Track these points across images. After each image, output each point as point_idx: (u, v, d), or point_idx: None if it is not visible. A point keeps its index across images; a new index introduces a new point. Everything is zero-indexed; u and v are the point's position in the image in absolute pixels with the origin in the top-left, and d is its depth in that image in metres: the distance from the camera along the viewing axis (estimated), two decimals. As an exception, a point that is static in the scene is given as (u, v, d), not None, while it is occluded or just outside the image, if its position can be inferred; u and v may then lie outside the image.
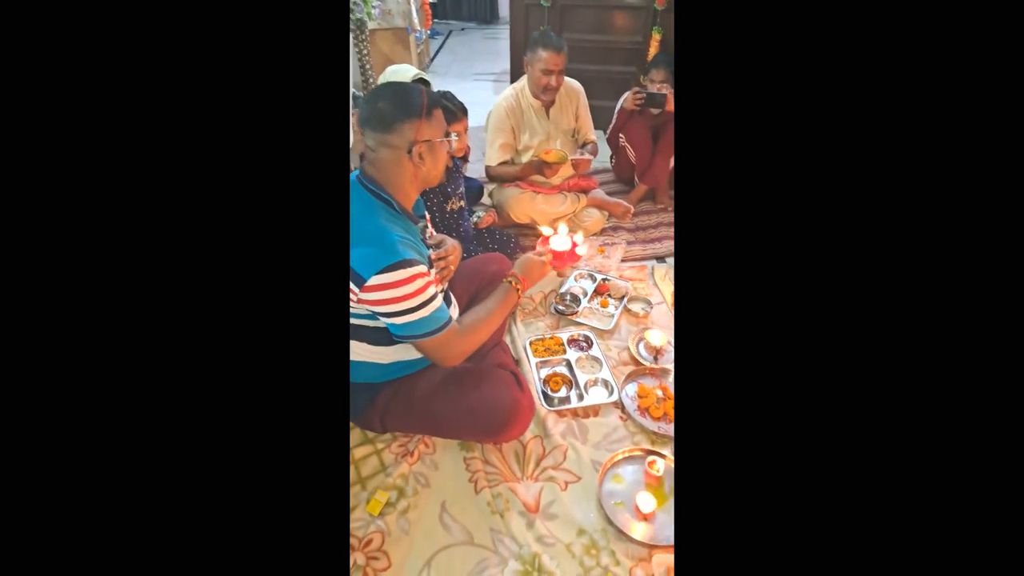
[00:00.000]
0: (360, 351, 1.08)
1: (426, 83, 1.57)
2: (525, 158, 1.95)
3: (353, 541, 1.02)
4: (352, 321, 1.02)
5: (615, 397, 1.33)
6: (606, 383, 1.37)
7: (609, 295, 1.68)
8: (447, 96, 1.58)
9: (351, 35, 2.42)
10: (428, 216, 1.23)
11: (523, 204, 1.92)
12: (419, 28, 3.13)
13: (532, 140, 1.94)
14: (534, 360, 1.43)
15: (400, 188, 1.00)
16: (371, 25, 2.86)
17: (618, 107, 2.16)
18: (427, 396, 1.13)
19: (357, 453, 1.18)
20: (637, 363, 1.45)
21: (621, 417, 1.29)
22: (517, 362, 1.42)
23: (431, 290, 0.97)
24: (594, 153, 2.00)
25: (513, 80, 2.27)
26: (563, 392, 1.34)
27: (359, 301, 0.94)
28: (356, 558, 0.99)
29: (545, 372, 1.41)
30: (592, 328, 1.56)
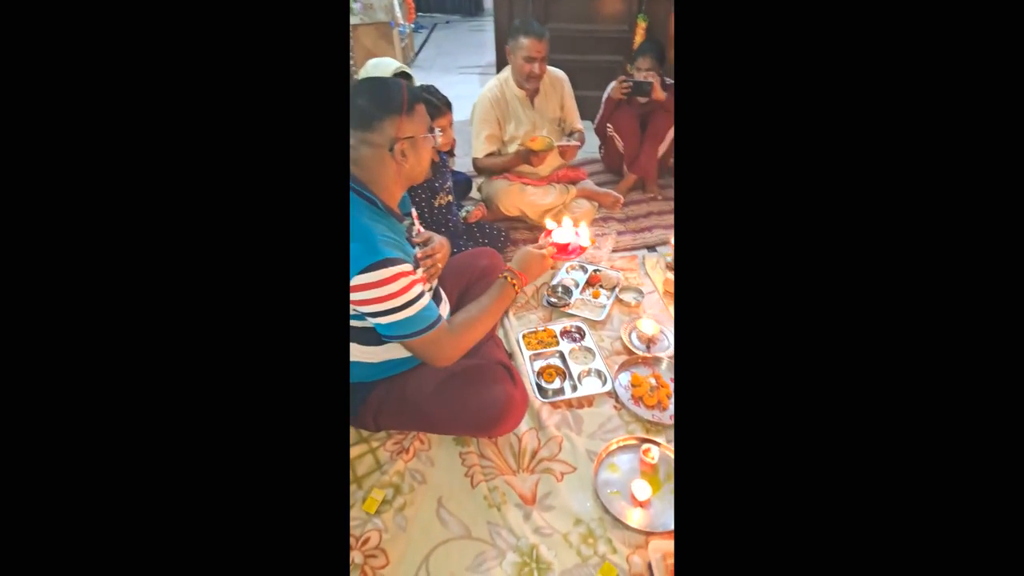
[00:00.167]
0: (350, 351, 1.07)
1: (408, 76, 1.55)
2: (511, 149, 1.94)
3: (350, 540, 1.02)
4: None
5: (609, 387, 1.33)
6: (599, 373, 1.37)
7: (601, 286, 1.69)
8: (430, 90, 1.56)
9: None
10: (416, 213, 1.21)
11: (512, 196, 1.92)
12: (402, 22, 3.10)
13: (518, 130, 1.93)
14: (527, 353, 1.43)
15: (384, 186, 0.98)
16: (353, 20, 2.82)
17: (605, 97, 2.15)
18: (420, 393, 1.13)
19: (352, 452, 1.18)
20: (630, 352, 1.45)
21: (615, 406, 1.30)
22: (510, 355, 1.42)
23: (417, 289, 0.96)
24: (581, 141, 1.99)
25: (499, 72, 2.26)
26: (557, 384, 1.34)
27: None
28: (354, 556, 0.99)
29: (539, 364, 1.41)
30: (584, 319, 1.56)
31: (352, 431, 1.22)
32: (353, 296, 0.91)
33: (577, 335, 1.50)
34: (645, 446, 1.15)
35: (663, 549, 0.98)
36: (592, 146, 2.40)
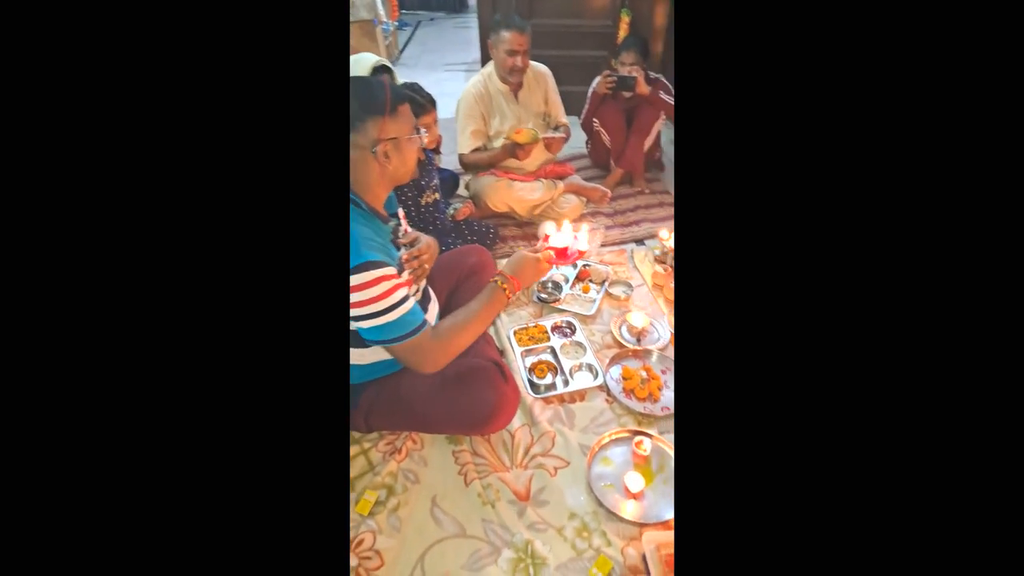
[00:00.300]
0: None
1: (388, 70, 1.52)
2: (497, 144, 1.93)
3: (344, 542, 1.01)
4: None
5: (600, 381, 1.33)
6: (591, 367, 1.37)
7: (590, 280, 1.69)
8: (414, 87, 1.55)
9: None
10: (403, 212, 1.20)
11: (500, 192, 1.91)
12: (385, 20, 3.07)
13: (503, 125, 1.93)
14: (519, 349, 1.43)
15: (367, 188, 0.97)
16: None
17: (590, 92, 2.15)
18: (411, 393, 1.12)
19: (344, 454, 1.17)
20: (620, 346, 1.46)
21: (607, 400, 1.30)
22: (502, 352, 1.42)
23: (400, 293, 0.94)
24: (567, 134, 1.99)
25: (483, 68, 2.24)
26: (549, 379, 1.35)
27: None
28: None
29: (530, 360, 1.41)
30: (575, 314, 1.56)
31: (343, 433, 1.21)
32: None
33: (568, 330, 1.50)
34: (637, 438, 1.16)
35: (657, 540, 0.98)
36: (579, 141, 2.40)
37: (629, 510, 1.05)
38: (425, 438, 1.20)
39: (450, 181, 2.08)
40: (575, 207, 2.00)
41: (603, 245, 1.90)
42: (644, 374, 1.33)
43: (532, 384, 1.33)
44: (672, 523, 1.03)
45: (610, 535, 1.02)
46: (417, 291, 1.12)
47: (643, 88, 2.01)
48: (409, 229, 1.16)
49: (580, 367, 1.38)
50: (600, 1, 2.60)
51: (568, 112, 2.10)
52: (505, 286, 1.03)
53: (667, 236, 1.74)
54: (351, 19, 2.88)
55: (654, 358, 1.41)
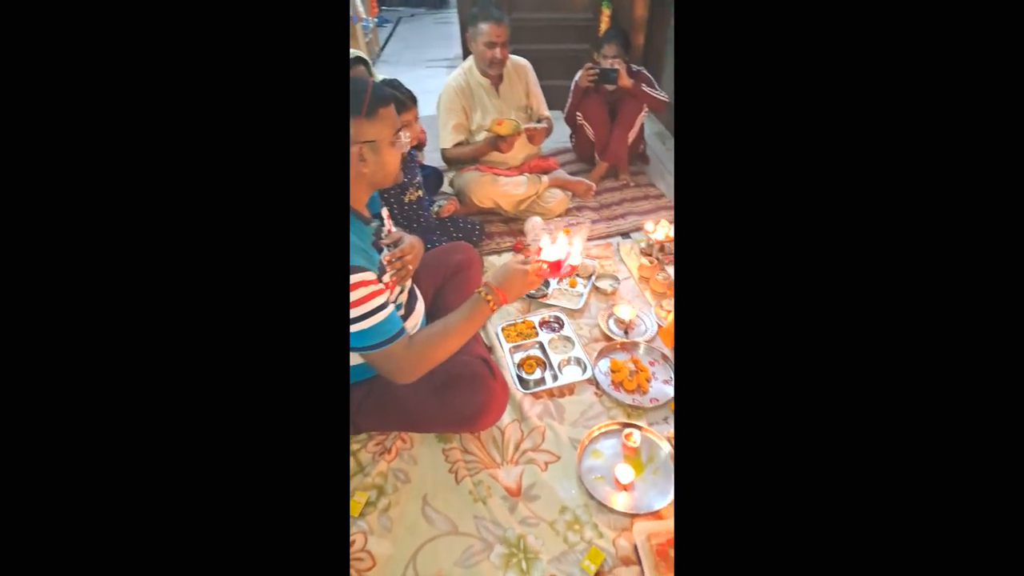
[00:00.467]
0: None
1: (364, 62, 1.50)
2: (479, 138, 1.92)
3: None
4: None
5: (589, 374, 1.34)
6: (579, 361, 1.38)
7: (577, 275, 1.69)
8: (393, 84, 1.53)
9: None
10: (387, 211, 1.18)
11: (485, 188, 1.90)
12: (365, 16, 3.03)
13: (485, 119, 1.92)
14: (507, 345, 1.43)
15: None
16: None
17: (573, 85, 2.14)
18: (399, 393, 1.11)
19: (333, 456, 1.16)
20: (608, 339, 1.46)
21: (596, 393, 1.31)
22: (490, 349, 1.42)
23: (378, 300, 0.91)
24: (549, 127, 1.99)
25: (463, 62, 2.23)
26: (538, 374, 1.35)
27: None
28: (340, 561, 0.98)
29: (519, 356, 1.41)
30: (562, 308, 1.57)
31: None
32: None
33: (556, 325, 1.50)
34: (627, 430, 1.16)
35: (648, 530, 0.99)
36: (563, 136, 2.40)
37: (620, 502, 1.06)
38: (415, 437, 1.20)
39: (433, 178, 2.07)
40: (560, 201, 2.00)
41: (589, 239, 1.90)
42: (632, 366, 1.34)
43: (521, 380, 1.33)
44: (662, 513, 1.04)
45: (602, 527, 1.03)
46: (402, 291, 1.11)
47: (625, 81, 2.01)
48: (393, 229, 1.15)
49: (568, 361, 1.38)
50: (580, -6, 2.59)
51: (551, 107, 2.09)
52: (490, 298, 0.97)
53: (652, 229, 1.74)
54: (329, 16, 2.84)
55: (642, 350, 1.42)
